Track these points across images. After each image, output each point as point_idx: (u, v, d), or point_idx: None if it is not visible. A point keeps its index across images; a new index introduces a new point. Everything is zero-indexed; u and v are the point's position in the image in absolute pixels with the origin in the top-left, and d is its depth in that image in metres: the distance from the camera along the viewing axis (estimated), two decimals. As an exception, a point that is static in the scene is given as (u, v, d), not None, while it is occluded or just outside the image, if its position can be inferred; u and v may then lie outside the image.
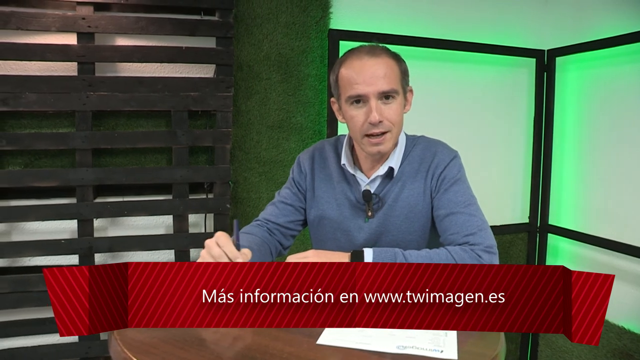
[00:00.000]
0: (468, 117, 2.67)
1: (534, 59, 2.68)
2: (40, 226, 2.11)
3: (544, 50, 2.68)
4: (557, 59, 2.63)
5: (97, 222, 2.12)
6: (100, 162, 2.14)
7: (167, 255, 2.24)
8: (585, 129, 2.57)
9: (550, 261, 2.76)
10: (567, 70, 2.65)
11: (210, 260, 1.12)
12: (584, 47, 2.45)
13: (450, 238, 1.28)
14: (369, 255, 1.22)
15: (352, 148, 1.45)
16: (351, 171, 1.41)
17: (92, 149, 2.05)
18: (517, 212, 2.81)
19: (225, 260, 1.12)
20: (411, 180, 1.37)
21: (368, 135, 1.31)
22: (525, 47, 2.66)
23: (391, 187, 1.38)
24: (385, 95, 1.30)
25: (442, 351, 0.88)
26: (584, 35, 2.48)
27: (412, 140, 1.44)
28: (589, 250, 2.53)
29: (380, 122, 1.29)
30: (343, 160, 1.42)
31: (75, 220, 2.06)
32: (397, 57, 1.36)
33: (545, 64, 2.68)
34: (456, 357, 0.86)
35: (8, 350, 2.04)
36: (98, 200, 2.12)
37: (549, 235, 2.73)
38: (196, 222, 2.28)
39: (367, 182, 1.40)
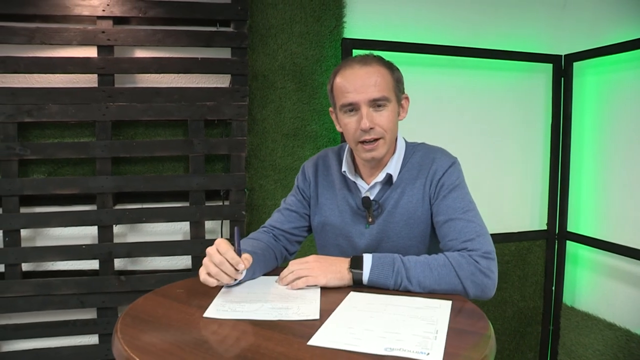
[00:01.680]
0: (485, 124, 2.66)
1: (551, 65, 2.66)
2: (63, 232, 2.20)
3: (561, 56, 2.65)
4: (575, 64, 2.61)
5: (116, 228, 2.19)
6: (120, 170, 2.21)
7: (184, 261, 2.30)
8: (604, 134, 2.53)
9: (569, 269, 2.72)
10: (584, 75, 2.61)
11: (213, 267, 1.16)
12: (602, 52, 2.42)
13: (449, 244, 1.29)
14: (367, 260, 1.24)
15: (353, 155, 1.48)
16: (352, 178, 1.44)
17: (112, 157, 2.12)
18: (535, 219, 2.78)
19: (227, 266, 1.15)
20: (410, 187, 1.39)
21: (361, 142, 1.34)
22: (542, 53, 2.64)
23: (390, 193, 1.40)
24: (377, 103, 1.33)
25: (428, 354, 0.89)
26: (602, 39, 2.45)
27: (412, 147, 1.46)
28: (609, 257, 2.49)
29: (372, 128, 1.32)
30: (344, 168, 1.45)
31: (96, 227, 2.13)
32: (389, 66, 1.39)
33: (562, 69, 2.66)
34: (440, 360, 0.87)
35: (33, 350, 2.12)
36: (117, 207, 2.19)
37: (568, 242, 2.69)
38: (213, 228, 2.33)
39: (367, 188, 1.42)
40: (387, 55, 2.34)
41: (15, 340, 2.14)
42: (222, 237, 2.32)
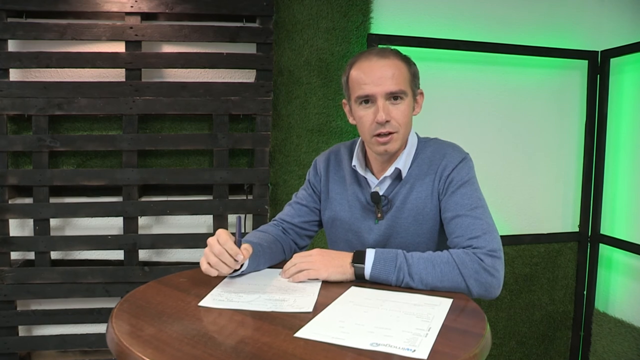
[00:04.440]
0: (516, 122, 2.59)
1: (587, 61, 2.56)
2: (90, 222, 2.26)
3: (598, 52, 2.55)
4: (612, 60, 2.50)
5: (141, 220, 2.25)
6: (146, 163, 2.26)
7: (206, 253, 2.33)
8: (641, 134, 2.43)
9: (602, 273, 2.62)
10: (622, 72, 2.51)
11: (212, 257, 1.17)
12: (641, 47, 2.32)
13: (455, 241, 1.26)
14: (370, 255, 1.23)
15: (364, 150, 1.46)
16: (362, 173, 1.43)
17: (138, 150, 2.17)
18: (567, 220, 2.69)
19: (227, 256, 1.16)
20: (420, 182, 1.37)
21: (376, 135, 1.32)
22: (577, 49, 2.55)
23: (400, 188, 1.38)
24: (394, 96, 1.31)
25: (414, 350, 0.87)
26: (640, 35, 2.35)
27: (423, 143, 1.43)
28: (645, 262, 2.39)
29: (388, 121, 1.30)
30: (354, 162, 1.43)
31: (121, 218, 2.19)
32: (407, 60, 1.36)
33: (598, 65, 2.55)
34: (425, 357, 0.85)
35: (60, 336, 2.20)
36: (143, 199, 2.24)
37: (601, 245, 2.59)
38: (235, 222, 2.35)
39: (377, 183, 1.41)
40: (415, 51, 2.33)
41: (45, 325, 2.23)
42: (244, 230, 2.35)
